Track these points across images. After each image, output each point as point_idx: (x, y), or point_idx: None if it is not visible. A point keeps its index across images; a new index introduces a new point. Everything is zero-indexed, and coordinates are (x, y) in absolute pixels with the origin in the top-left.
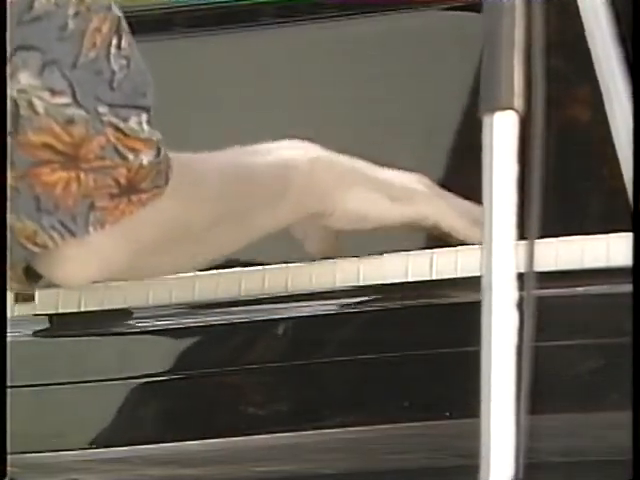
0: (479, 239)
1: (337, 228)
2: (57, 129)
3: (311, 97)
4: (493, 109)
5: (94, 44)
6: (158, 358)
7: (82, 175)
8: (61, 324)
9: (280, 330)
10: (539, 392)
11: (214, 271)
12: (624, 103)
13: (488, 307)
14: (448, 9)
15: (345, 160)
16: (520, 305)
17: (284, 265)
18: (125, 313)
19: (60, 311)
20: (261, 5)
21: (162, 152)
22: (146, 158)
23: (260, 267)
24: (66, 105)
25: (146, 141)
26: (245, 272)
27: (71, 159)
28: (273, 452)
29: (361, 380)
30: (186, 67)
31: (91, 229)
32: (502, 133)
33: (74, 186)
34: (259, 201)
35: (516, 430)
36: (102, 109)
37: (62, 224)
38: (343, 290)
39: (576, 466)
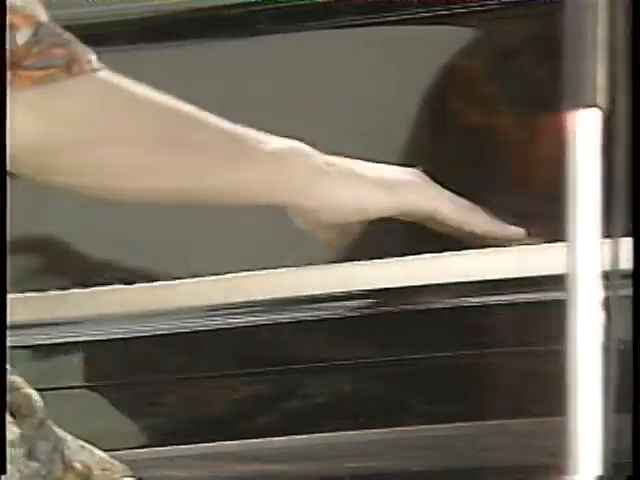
0: (476, 226)
1: (325, 221)
2: None
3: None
4: (577, 106)
5: None
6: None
7: None
8: None
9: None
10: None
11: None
12: None
13: (573, 305)
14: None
15: (324, 155)
16: (605, 303)
17: (300, 268)
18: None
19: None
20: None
21: (43, 34)
22: (21, 38)
23: (276, 270)
24: None
25: (27, 17)
26: (260, 275)
27: None
28: (362, 448)
29: (449, 377)
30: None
31: None
32: (586, 130)
33: None
34: (200, 158)
35: (603, 428)
36: None
37: None
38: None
39: None
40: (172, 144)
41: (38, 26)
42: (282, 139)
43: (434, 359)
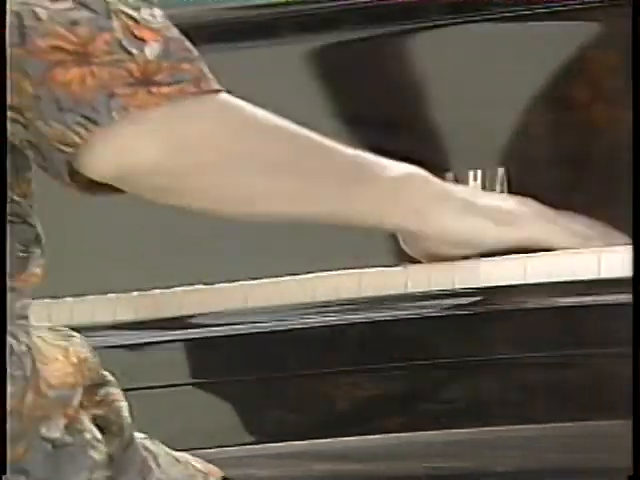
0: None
1: (441, 254)
2: (62, 31)
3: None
4: None
5: None
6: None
7: (95, 69)
8: None
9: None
10: None
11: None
12: None
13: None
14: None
15: (443, 183)
16: None
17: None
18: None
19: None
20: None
21: (173, 49)
22: (151, 52)
23: (359, 270)
24: (68, 9)
25: (156, 31)
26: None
27: (82, 56)
28: (440, 448)
29: (525, 380)
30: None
31: (115, 115)
32: None
33: (89, 79)
34: (322, 176)
35: None
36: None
37: (84, 117)
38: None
39: None
40: (290, 170)
41: (168, 41)
42: (402, 164)
43: (510, 361)
